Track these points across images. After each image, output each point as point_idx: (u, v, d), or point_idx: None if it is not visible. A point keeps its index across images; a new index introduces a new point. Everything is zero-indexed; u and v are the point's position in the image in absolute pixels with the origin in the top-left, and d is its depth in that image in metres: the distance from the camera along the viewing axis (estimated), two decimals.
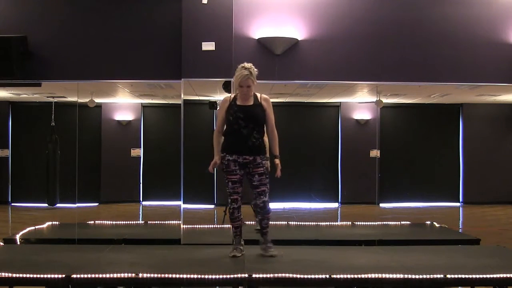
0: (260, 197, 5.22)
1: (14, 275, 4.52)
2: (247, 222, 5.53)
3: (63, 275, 4.46)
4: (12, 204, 11.51)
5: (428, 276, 4.53)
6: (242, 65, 5.21)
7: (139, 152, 12.23)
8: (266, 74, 7.10)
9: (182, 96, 7.22)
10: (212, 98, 7.84)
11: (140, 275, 4.50)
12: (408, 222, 8.81)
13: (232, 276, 4.52)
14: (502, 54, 7.42)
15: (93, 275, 4.50)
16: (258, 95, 5.31)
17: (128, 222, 8.97)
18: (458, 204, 12.75)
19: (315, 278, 4.50)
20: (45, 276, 4.48)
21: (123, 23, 7.36)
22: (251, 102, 5.24)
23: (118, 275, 4.53)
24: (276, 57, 7.29)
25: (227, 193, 5.31)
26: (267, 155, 5.37)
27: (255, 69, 5.20)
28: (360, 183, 11.84)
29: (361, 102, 12.17)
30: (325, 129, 12.63)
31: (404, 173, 12.47)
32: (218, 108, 5.39)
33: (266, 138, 5.41)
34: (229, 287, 4.57)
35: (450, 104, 12.60)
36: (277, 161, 5.24)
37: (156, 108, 12.38)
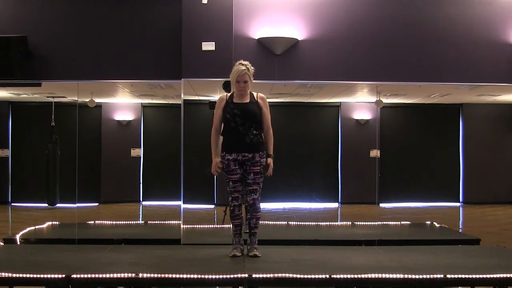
0: (250, 195, 5.26)
1: (14, 275, 4.52)
2: (245, 222, 5.53)
3: (63, 275, 4.46)
4: (12, 204, 11.50)
5: (428, 276, 4.53)
6: (239, 62, 5.26)
7: (139, 152, 12.22)
8: (266, 74, 7.12)
9: (182, 96, 7.22)
10: (212, 98, 7.84)
11: (140, 275, 4.50)
12: (408, 222, 8.81)
13: (232, 276, 4.52)
14: (502, 54, 7.43)
15: (93, 275, 4.50)
16: (255, 93, 5.34)
17: (128, 222, 8.97)
18: (458, 204, 12.74)
19: (315, 278, 4.50)
20: (45, 276, 4.48)
21: (123, 23, 7.37)
22: (247, 100, 5.26)
23: (118, 275, 4.53)
24: (276, 57, 7.29)
25: (227, 192, 5.32)
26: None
27: (252, 67, 5.23)
28: (360, 183, 11.84)
29: (361, 102, 12.16)
30: (325, 129, 12.62)
31: (404, 173, 12.46)
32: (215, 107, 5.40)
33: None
34: (229, 287, 4.57)
35: (450, 104, 12.59)
36: (270, 160, 5.25)
37: (156, 108, 12.37)
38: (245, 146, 5.19)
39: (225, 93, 5.46)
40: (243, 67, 5.19)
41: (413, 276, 4.56)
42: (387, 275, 4.57)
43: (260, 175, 5.26)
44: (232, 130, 5.21)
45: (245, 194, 5.32)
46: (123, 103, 12.28)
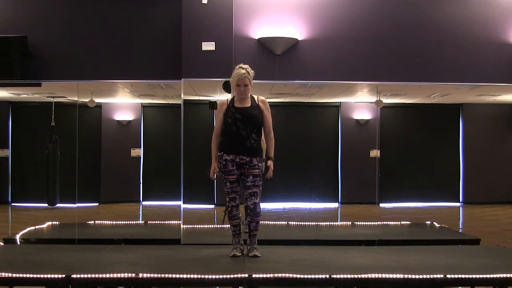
0: (251, 198, 5.24)
1: (14, 275, 4.52)
2: (245, 222, 5.53)
3: (63, 275, 4.46)
4: (12, 204, 11.50)
5: (428, 276, 4.53)
6: (239, 65, 5.27)
7: (139, 152, 12.22)
8: (266, 74, 7.12)
9: (182, 96, 7.22)
10: (212, 98, 7.84)
11: (140, 275, 4.50)
12: (408, 222, 8.82)
13: (232, 276, 4.52)
14: (502, 54, 7.43)
15: (93, 275, 4.50)
16: (255, 97, 5.34)
17: (128, 222, 8.97)
18: (458, 204, 12.75)
19: (315, 278, 4.50)
20: (45, 276, 4.48)
21: (123, 23, 7.37)
22: (248, 104, 5.26)
23: (118, 275, 4.53)
24: (276, 57, 7.29)
25: (225, 193, 5.32)
26: (264, 157, 5.38)
27: (252, 71, 5.24)
28: (360, 183, 11.84)
29: (361, 102, 12.17)
30: (325, 129, 12.62)
31: (404, 173, 12.46)
32: (216, 112, 5.41)
33: (263, 140, 5.42)
34: (229, 287, 4.57)
35: (450, 104, 12.60)
36: (270, 162, 5.26)
37: (156, 108, 12.38)
38: (245, 149, 5.19)
39: (226, 98, 5.45)
40: (243, 71, 5.19)
41: (413, 276, 4.56)
42: (387, 275, 4.57)
43: (259, 178, 5.26)
44: (233, 134, 5.20)
45: (245, 198, 5.31)
46: (123, 103, 12.28)
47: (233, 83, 5.24)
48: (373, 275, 4.54)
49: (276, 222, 8.25)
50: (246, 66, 5.26)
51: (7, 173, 11.63)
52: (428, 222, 8.54)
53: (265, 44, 7.27)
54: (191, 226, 7.61)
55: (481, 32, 7.45)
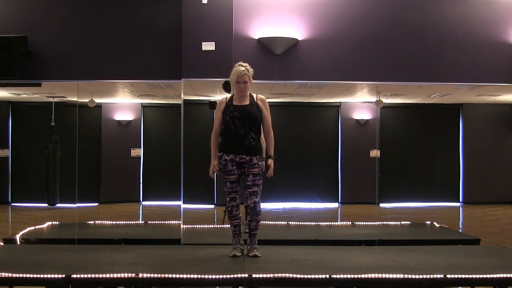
0: (251, 197, 5.24)
1: (14, 275, 4.52)
2: (245, 222, 5.54)
3: (63, 275, 4.47)
4: (12, 204, 11.51)
5: (428, 276, 4.54)
6: (239, 63, 5.29)
7: (139, 152, 12.22)
8: (266, 74, 7.13)
9: (182, 96, 7.22)
10: (212, 98, 7.85)
11: (140, 275, 4.50)
12: (408, 222, 8.82)
13: (232, 276, 4.52)
14: (502, 54, 7.43)
15: (93, 275, 4.50)
16: (254, 95, 5.34)
17: (128, 222, 8.97)
18: (458, 204, 12.74)
19: (315, 278, 4.50)
20: (45, 276, 4.49)
21: (123, 23, 7.38)
22: (247, 102, 5.27)
23: (118, 275, 4.53)
24: (276, 57, 7.29)
25: (225, 192, 5.33)
26: (263, 155, 5.38)
27: (251, 69, 5.26)
28: (360, 183, 11.84)
29: (361, 102, 12.17)
30: (325, 129, 12.62)
31: (404, 173, 12.46)
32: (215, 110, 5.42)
33: (263, 138, 5.42)
34: (229, 287, 4.58)
35: (450, 104, 12.59)
36: (270, 161, 5.26)
37: (156, 108, 12.38)
38: (244, 148, 5.19)
39: (225, 96, 5.46)
40: (243, 68, 5.22)
41: (413, 276, 4.56)
42: (387, 275, 4.57)
43: (259, 177, 5.26)
44: (232, 132, 5.21)
45: (245, 197, 5.31)
46: (123, 103, 12.28)
47: (233, 81, 5.25)
48: (373, 275, 4.55)
49: (276, 222, 8.26)
50: (245, 64, 5.28)
51: (7, 173, 11.64)
52: (428, 222, 8.54)
53: (265, 44, 7.28)
54: (191, 226, 7.61)
55: (481, 32, 7.46)
